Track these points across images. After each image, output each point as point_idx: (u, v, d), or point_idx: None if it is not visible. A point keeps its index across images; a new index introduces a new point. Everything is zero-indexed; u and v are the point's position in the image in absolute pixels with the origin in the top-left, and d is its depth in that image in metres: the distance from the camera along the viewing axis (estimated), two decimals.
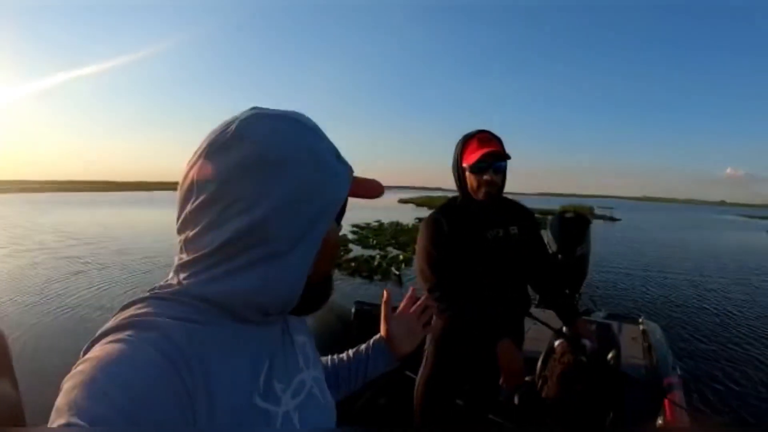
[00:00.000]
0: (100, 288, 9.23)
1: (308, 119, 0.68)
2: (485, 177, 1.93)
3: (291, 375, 0.73)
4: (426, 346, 2.15)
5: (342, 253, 13.55)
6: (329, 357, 1.12)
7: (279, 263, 0.62)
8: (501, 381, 1.89)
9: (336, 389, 1.03)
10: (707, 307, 9.05)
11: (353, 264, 11.92)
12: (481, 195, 1.97)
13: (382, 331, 1.12)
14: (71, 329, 6.63)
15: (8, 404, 0.96)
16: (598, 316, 4.15)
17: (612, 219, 39.78)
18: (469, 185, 1.98)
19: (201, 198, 0.61)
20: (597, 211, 45.67)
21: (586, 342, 2.12)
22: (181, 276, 0.64)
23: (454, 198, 2.12)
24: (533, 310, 2.35)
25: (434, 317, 1.99)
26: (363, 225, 21.20)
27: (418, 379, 2.16)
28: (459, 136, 2.03)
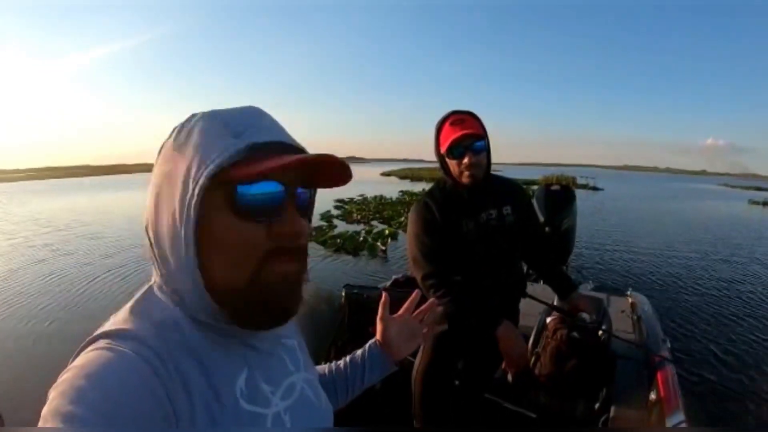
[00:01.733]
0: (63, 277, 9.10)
1: (229, 110, 0.64)
2: (465, 161, 1.86)
3: (279, 378, 0.72)
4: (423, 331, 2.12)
5: (326, 230, 13.57)
6: (326, 366, 1.09)
7: (169, 266, 0.61)
8: (503, 366, 1.85)
9: (334, 398, 1.01)
10: (692, 276, 9.13)
11: (338, 240, 11.82)
12: (465, 179, 1.90)
13: (378, 334, 1.09)
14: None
15: None
16: (586, 288, 4.17)
17: (594, 188, 40.00)
18: (452, 171, 1.92)
19: None
20: (579, 181, 45.82)
21: (585, 315, 2.11)
22: (154, 274, 0.66)
23: (443, 181, 2.03)
24: (536, 288, 2.34)
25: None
26: (346, 200, 21.00)
27: (416, 366, 2.14)
28: (439, 108, 1.97)
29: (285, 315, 0.65)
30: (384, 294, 1.09)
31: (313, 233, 12.44)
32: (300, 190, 0.65)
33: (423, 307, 1.15)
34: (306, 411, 0.74)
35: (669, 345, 2.59)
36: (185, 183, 0.58)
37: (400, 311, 1.12)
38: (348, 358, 1.09)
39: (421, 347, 2.13)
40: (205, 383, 0.59)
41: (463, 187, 1.95)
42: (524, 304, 2.15)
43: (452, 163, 1.90)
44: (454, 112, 1.91)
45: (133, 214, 18.66)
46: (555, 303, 2.25)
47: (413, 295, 1.14)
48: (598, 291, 4.04)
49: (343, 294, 3.05)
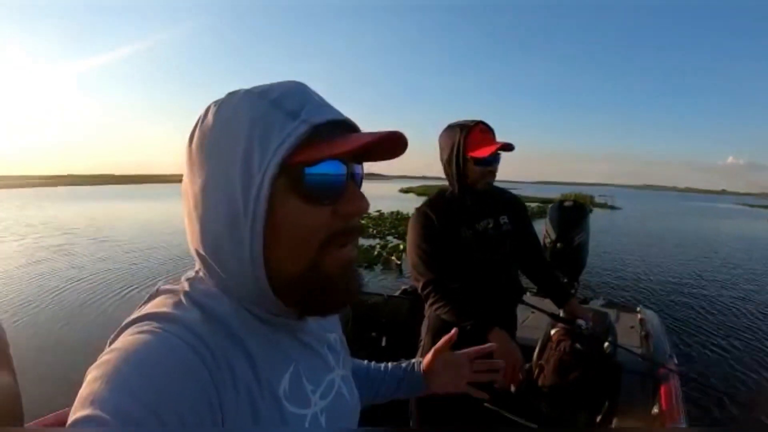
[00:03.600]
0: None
1: (275, 85, 0.61)
2: (490, 169, 1.95)
3: (321, 375, 0.71)
4: (422, 337, 2.16)
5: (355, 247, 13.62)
6: (366, 361, 1.09)
7: (219, 245, 0.58)
8: (499, 377, 1.87)
9: (364, 394, 0.97)
10: (707, 296, 9.02)
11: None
12: (482, 185, 1.98)
13: (425, 362, 1.09)
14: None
15: (7, 396, 0.98)
16: (596, 304, 4.16)
17: (613, 207, 39.77)
18: (470, 176, 1.97)
19: None
20: (598, 200, 45.59)
21: (581, 322, 2.14)
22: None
23: (443, 190, 2.10)
24: (528, 297, 2.36)
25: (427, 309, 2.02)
26: (363, 215, 21.17)
27: None
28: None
29: (346, 299, 0.65)
30: (454, 330, 1.10)
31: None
32: (356, 166, 0.63)
33: (489, 361, 1.12)
34: (340, 410, 0.72)
35: (676, 360, 2.60)
36: (247, 173, 0.55)
37: (469, 351, 1.11)
38: (390, 365, 1.09)
39: (419, 353, 2.15)
40: (252, 377, 0.58)
41: (469, 195, 2.01)
42: (531, 318, 2.19)
43: (477, 169, 1.95)
44: (479, 121, 1.97)
45: (145, 222, 19.13)
46: (553, 312, 2.29)
47: (487, 347, 1.13)
48: (607, 307, 4.04)
49: None
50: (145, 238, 15.05)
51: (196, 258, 0.63)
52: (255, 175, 0.55)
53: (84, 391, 0.47)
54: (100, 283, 9.08)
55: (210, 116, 0.60)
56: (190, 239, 0.62)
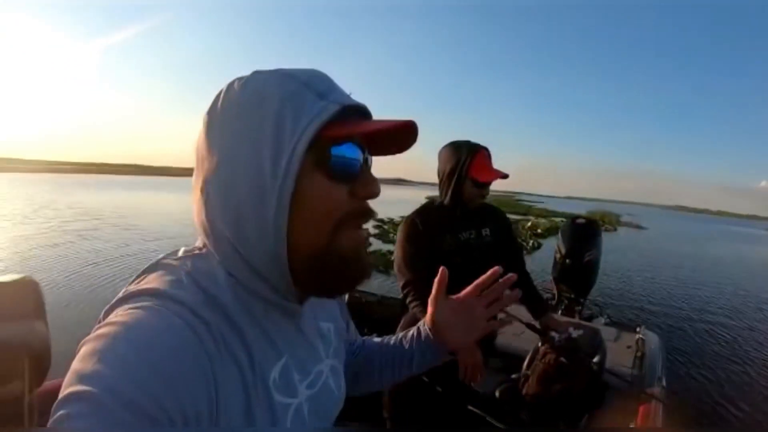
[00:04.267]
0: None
1: (301, 69, 0.63)
2: (484, 192, 2.16)
3: (310, 365, 0.71)
4: (396, 332, 2.26)
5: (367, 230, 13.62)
6: (379, 338, 1.04)
7: (240, 214, 0.58)
8: (459, 374, 1.96)
9: (379, 375, 0.98)
10: (718, 323, 8.88)
11: (371, 257, 11.82)
12: (474, 205, 2.18)
13: (428, 318, 0.96)
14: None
15: (41, 341, 1.15)
16: (599, 322, 4.20)
17: (638, 227, 39.14)
18: (465, 193, 2.14)
19: None
20: (624, 218, 44.84)
21: (554, 334, 2.26)
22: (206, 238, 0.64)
23: (433, 200, 2.28)
24: (511, 307, 2.45)
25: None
26: (386, 219, 21.10)
27: None
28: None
29: (357, 279, 0.66)
30: (442, 269, 0.97)
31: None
32: (367, 153, 0.65)
33: (494, 286, 0.95)
34: (324, 401, 0.73)
35: (664, 384, 2.64)
36: (277, 146, 0.57)
37: (466, 290, 0.97)
38: (401, 335, 1.00)
39: None
40: (247, 365, 0.58)
41: (455, 208, 2.18)
42: (528, 332, 2.30)
43: (474, 190, 2.13)
44: (481, 146, 2.15)
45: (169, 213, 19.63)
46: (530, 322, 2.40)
47: (489, 272, 0.95)
48: (609, 325, 4.07)
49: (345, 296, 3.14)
50: (169, 228, 15.59)
51: (201, 232, 0.64)
52: (285, 149, 0.56)
53: (78, 365, 0.47)
54: (118, 268, 9.46)
55: (236, 90, 0.61)
56: (201, 210, 0.62)
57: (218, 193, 0.59)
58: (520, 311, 2.25)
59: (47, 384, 1.18)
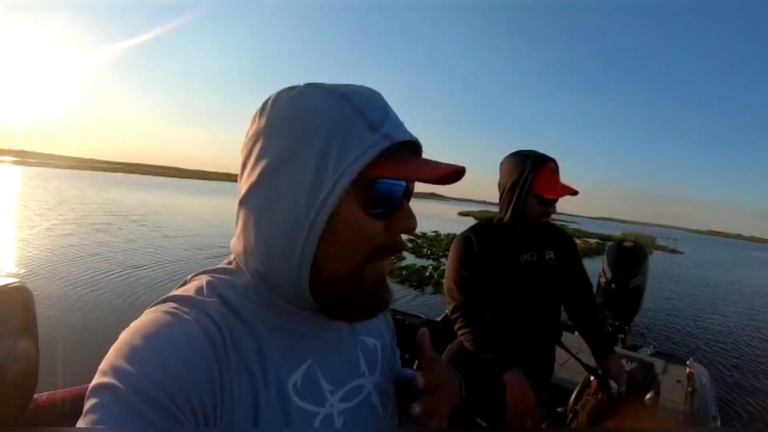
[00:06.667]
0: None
1: (355, 88, 0.60)
2: (550, 209, 1.93)
3: (345, 377, 0.70)
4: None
5: (394, 260, 13.57)
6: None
7: (269, 229, 0.58)
8: (508, 417, 1.80)
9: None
10: (765, 354, 8.62)
11: (404, 272, 11.84)
12: (539, 222, 1.97)
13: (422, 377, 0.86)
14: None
15: (26, 361, 1.03)
16: (645, 352, 4.04)
17: (674, 251, 38.40)
18: (528, 210, 1.94)
19: (241, 168, 0.63)
20: (659, 242, 44.10)
21: (612, 384, 2.03)
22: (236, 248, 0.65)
23: (492, 218, 2.08)
24: (567, 338, 2.30)
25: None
26: (419, 234, 21.11)
27: None
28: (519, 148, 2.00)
29: (377, 309, 0.65)
30: (422, 330, 0.82)
31: None
32: (410, 183, 0.64)
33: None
34: (364, 418, 0.70)
35: (719, 423, 2.49)
36: (319, 174, 0.56)
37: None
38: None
39: None
40: (258, 365, 0.58)
41: (516, 226, 1.97)
42: (573, 361, 2.13)
43: (538, 207, 1.92)
44: (550, 158, 1.94)
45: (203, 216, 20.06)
46: (590, 363, 2.20)
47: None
48: (656, 356, 3.91)
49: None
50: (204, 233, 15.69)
51: (233, 247, 0.65)
52: (325, 184, 0.55)
53: (105, 362, 0.52)
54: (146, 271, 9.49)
55: (285, 104, 0.59)
56: (239, 222, 0.63)
57: (255, 211, 0.60)
58: (579, 343, 2.09)
59: (64, 391, 1.08)
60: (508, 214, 1.97)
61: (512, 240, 1.99)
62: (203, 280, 0.63)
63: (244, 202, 0.61)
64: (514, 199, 1.93)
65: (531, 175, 1.89)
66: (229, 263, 0.67)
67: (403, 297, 9.60)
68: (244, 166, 0.62)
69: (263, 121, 0.60)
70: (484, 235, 2.01)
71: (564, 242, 2.14)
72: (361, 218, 0.58)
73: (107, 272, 8.90)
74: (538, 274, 2.00)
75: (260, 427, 0.57)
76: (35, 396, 1.06)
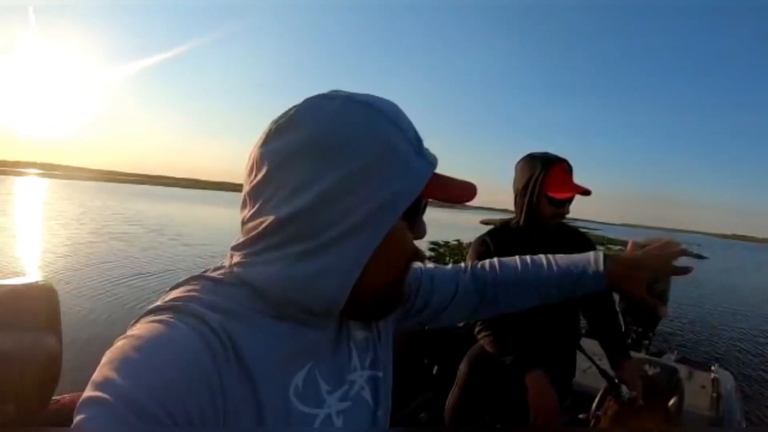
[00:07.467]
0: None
1: (386, 103, 0.62)
2: (562, 210, 1.92)
3: (341, 375, 0.70)
4: (460, 366, 2.12)
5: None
6: (522, 263, 1.01)
7: (320, 258, 0.57)
8: (531, 419, 1.78)
9: (530, 292, 0.99)
10: None
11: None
12: (551, 223, 1.96)
13: (626, 255, 0.97)
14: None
15: (49, 356, 1.06)
16: (669, 358, 3.97)
17: (699, 257, 37.67)
18: (541, 212, 1.93)
19: (256, 179, 0.59)
20: (683, 247, 43.41)
21: (625, 389, 1.98)
22: (235, 257, 0.62)
23: (508, 221, 2.07)
24: (590, 343, 2.27)
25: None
26: (441, 242, 21.05)
27: (449, 398, 2.12)
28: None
29: (397, 306, 0.70)
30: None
31: None
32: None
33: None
34: (357, 413, 0.70)
35: (744, 426, 2.45)
36: (378, 191, 0.57)
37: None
38: (556, 264, 0.99)
39: (456, 381, 2.11)
40: (260, 372, 0.57)
41: (531, 229, 1.97)
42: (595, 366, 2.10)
43: (550, 208, 1.91)
44: (561, 159, 1.93)
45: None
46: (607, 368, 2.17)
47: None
48: (681, 363, 3.84)
49: None
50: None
51: (244, 247, 0.62)
52: (388, 212, 0.58)
53: (96, 374, 0.50)
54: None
55: (328, 121, 0.58)
56: (253, 229, 0.60)
57: (286, 222, 0.57)
58: (595, 346, 2.07)
59: (66, 396, 1.10)
60: (522, 217, 1.97)
61: (528, 243, 1.96)
62: (197, 285, 0.61)
63: (265, 212, 0.59)
64: (527, 201, 1.93)
65: (541, 176, 1.89)
66: (222, 268, 0.64)
67: None
68: (263, 177, 0.59)
69: (287, 132, 0.59)
70: (500, 238, 2.00)
71: (581, 244, 2.11)
72: (406, 233, 0.64)
73: (131, 277, 9.32)
74: None
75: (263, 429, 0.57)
76: (59, 397, 1.09)
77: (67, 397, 1.08)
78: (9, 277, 1.14)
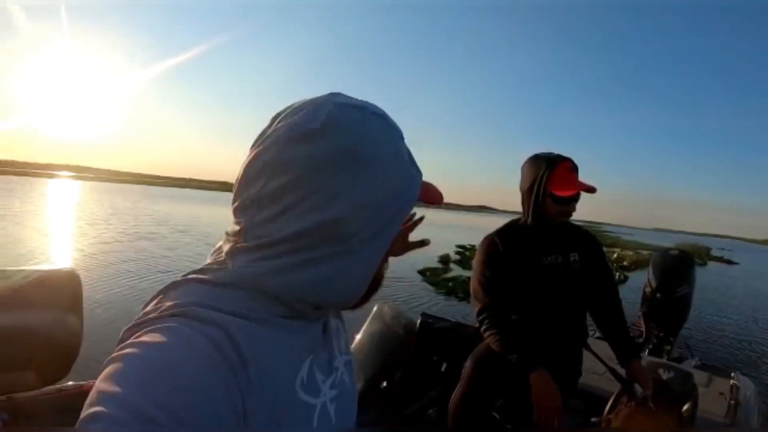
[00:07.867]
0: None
1: (388, 116, 0.65)
2: (567, 208, 1.95)
3: (330, 364, 0.71)
4: (465, 363, 2.16)
5: (441, 272, 13.63)
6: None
7: (346, 262, 0.59)
8: (534, 417, 1.80)
9: None
10: None
11: (450, 284, 11.83)
12: (557, 221, 2.00)
13: None
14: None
15: (70, 333, 1.18)
16: (689, 364, 3.93)
17: (729, 262, 36.93)
18: (547, 210, 1.97)
19: (276, 183, 0.57)
20: (714, 252, 42.41)
21: (638, 388, 2.01)
22: (239, 261, 0.60)
23: (516, 219, 2.11)
24: (600, 344, 2.27)
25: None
26: (468, 246, 20.57)
27: (454, 395, 2.14)
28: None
29: (372, 296, 0.72)
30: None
31: (427, 273, 13.09)
32: None
33: None
34: (345, 397, 0.73)
35: None
36: (395, 199, 0.62)
37: None
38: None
39: (461, 377, 2.14)
40: (275, 375, 0.57)
41: (538, 228, 2.01)
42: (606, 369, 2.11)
43: (555, 206, 1.94)
44: (564, 157, 1.97)
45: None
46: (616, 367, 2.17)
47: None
48: (701, 369, 3.80)
49: (419, 321, 3.08)
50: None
51: (246, 250, 0.60)
52: (395, 224, 0.64)
53: (101, 384, 0.46)
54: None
55: (353, 130, 0.59)
56: (267, 218, 0.59)
57: (318, 227, 0.57)
58: (607, 349, 2.08)
59: (71, 385, 1.20)
60: (529, 215, 2.01)
61: (536, 241, 2.02)
62: (200, 287, 0.60)
63: (275, 217, 0.58)
64: (533, 200, 1.97)
65: (546, 175, 1.93)
66: (212, 271, 0.62)
67: (447, 308, 9.65)
68: (282, 186, 0.58)
69: (339, 145, 0.58)
70: (508, 236, 2.05)
71: (589, 244, 2.15)
72: (401, 232, 0.72)
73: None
74: (562, 276, 2.02)
75: (282, 428, 0.57)
76: (82, 382, 1.19)
77: (90, 382, 1.17)
78: (38, 263, 1.25)
